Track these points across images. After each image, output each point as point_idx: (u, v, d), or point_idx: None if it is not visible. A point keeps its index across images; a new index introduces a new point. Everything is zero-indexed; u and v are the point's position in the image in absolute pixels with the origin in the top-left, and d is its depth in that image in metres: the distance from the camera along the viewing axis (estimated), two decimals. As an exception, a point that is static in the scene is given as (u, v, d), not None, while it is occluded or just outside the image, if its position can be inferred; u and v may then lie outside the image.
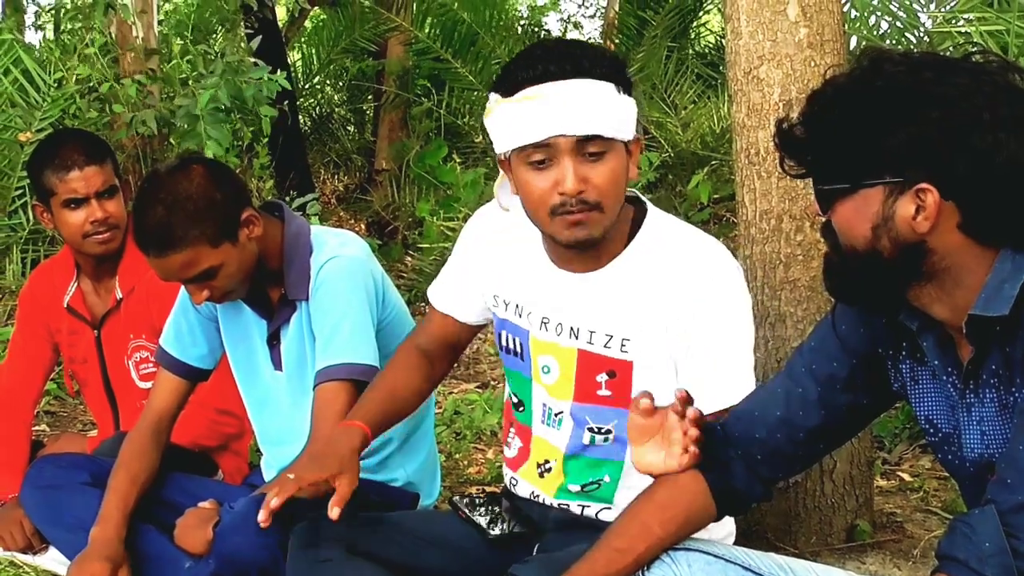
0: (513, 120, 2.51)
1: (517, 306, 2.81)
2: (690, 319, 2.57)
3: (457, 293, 2.97)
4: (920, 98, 1.98)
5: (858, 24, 6.40)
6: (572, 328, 2.71)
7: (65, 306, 3.97)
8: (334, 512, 2.55)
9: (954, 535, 1.99)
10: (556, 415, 2.78)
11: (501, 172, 2.76)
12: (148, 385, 3.86)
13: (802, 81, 3.44)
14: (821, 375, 2.33)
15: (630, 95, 2.55)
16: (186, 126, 7.17)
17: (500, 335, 2.90)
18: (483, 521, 2.90)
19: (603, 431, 2.72)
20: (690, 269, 2.59)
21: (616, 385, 2.68)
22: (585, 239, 2.56)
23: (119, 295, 3.88)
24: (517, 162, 2.55)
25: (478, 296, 2.93)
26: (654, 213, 2.71)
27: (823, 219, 2.13)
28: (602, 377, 2.69)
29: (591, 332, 2.69)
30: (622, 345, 2.65)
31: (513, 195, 2.66)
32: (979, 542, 1.94)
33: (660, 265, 2.61)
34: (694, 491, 2.35)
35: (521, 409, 2.89)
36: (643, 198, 2.74)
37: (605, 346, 2.67)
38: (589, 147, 2.49)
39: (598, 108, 2.48)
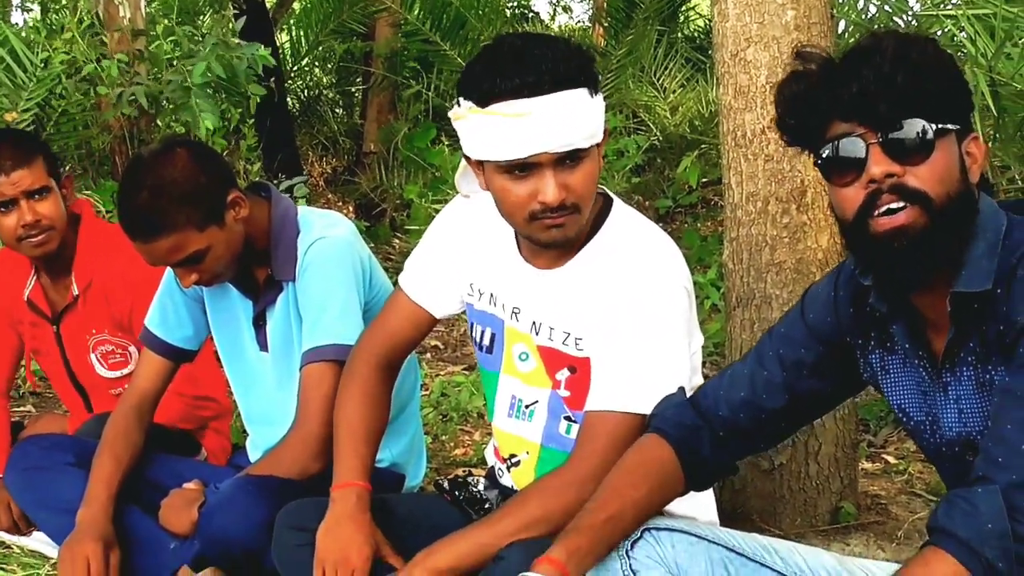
0: (490, 133, 2.44)
1: (492, 295, 2.80)
2: (624, 319, 2.54)
3: (433, 284, 2.91)
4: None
5: (846, 8, 6.39)
6: (535, 323, 2.71)
7: (25, 300, 3.95)
8: None
9: (952, 509, 1.94)
10: (527, 406, 2.77)
11: (463, 163, 2.74)
12: (117, 374, 3.87)
13: (789, 63, 3.43)
14: (788, 360, 2.35)
15: (599, 91, 2.51)
16: (178, 100, 7.14)
17: (473, 328, 2.89)
18: (468, 504, 2.90)
19: (576, 420, 2.69)
20: (632, 274, 2.55)
21: (575, 382, 2.66)
22: (564, 240, 2.56)
23: (75, 291, 3.86)
24: (492, 170, 2.50)
25: (453, 288, 2.90)
26: (617, 211, 2.67)
27: (895, 179, 2.00)
28: (563, 374, 2.68)
29: (551, 328, 2.68)
30: (576, 343, 2.65)
31: (481, 188, 2.65)
32: (982, 521, 1.91)
33: (611, 267, 2.58)
34: (660, 456, 2.38)
35: (486, 406, 2.90)
36: (609, 193, 2.71)
37: (563, 343, 2.67)
38: (568, 157, 2.45)
39: (577, 120, 2.43)
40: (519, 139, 2.41)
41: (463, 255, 2.85)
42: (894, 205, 2.00)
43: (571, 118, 2.42)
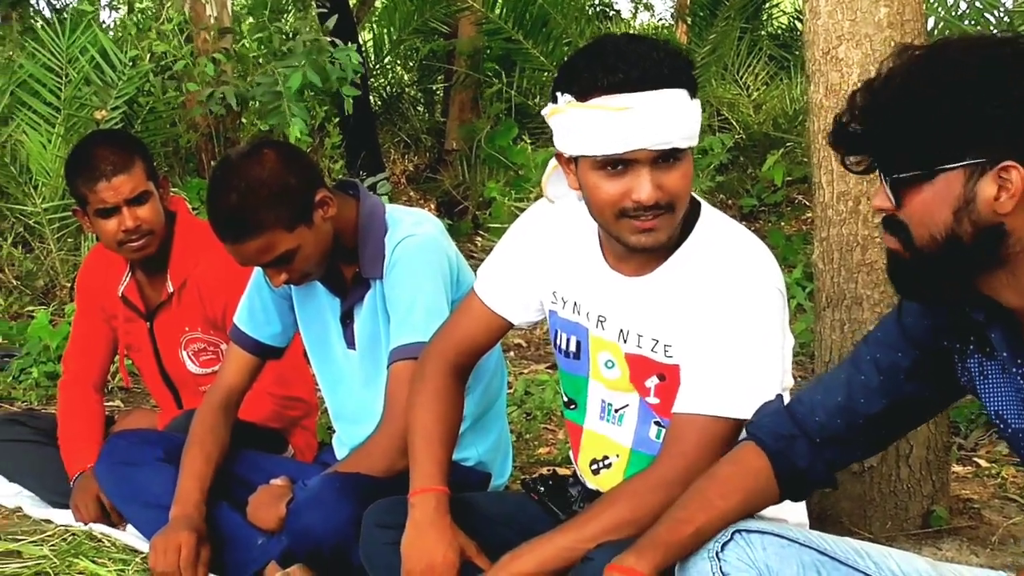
0: (589, 127, 2.41)
1: (575, 304, 2.76)
2: (718, 323, 2.51)
3: (512, 292, 2.86)
4: (998, 75, 1.94)
5: (936, 4, 6.32)
6: (622, 330, 2.68)
7: (120, 295, 3.99)
8: None
9: None
10: (617, 410, 2.75)
11: (552, 164, 2.71)
12: (208, 371, 3.90)
13: (881, 61, 3.39)
14: (884, 364, 2.31)
15: (696, 96, 2.48)
16: (268, 104, 7.20)
17: (556, 335, 2.85)
18: (555, 502, 2.89)
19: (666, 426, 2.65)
20: (726, 278, 2.52)
21: (664, 390, 2.63)
22: (654, 245, 2.51)
23: (170, 289, 3.89)
24: (586, 165, 2.47)
25: (534, 295, 2.85)
26: (707, 214, 2.64)
27: (886, 214, 2.04)
28: (652, 381, 2.66)
29: (639, 336, 2.65)
30: (666, 350, 2.61)
31: (570, 190, 2.61)
32: None
33: (704, 271, 2.55)
34: (756, 467, 2.35)
35: (573, 407, 2.86)
36: (697, 198, 2.66)
37: (652, 350, 2.63)
38: (665, 157, 2.42)
39: (677, 119, 2.40)
40: (619, 134, 2.38)
41: (545, 263, 2.81)
42: (887, 235, 2.06)
43: (671, 116, 2.39)
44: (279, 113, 6.98)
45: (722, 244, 2.57)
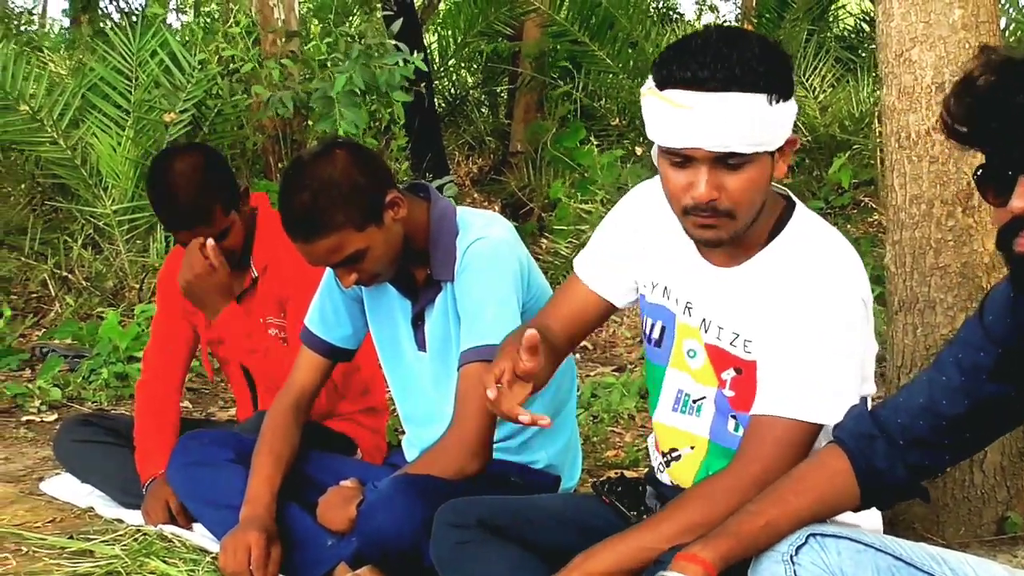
0: (657, 116, 2.44)
1: (665, 288, 2.77)
2: (799, 325, 2.51)
3: (608, 271, 2.86)
4: None
5: (1007, 5, 6.26)
6: (704, 319, 2.68)
7: None
8: None
9: None
10: (695, 401, 2.74)
11: None
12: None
13: (955, 63, 3.37)
14: (967, 364, 2.28)
15: (789, 98, 2.44)
16: (322, 108, 7.24)
17: (645, 321, 2.86)
18: (625, 505, 2.88)
19: (740, 420, 2.66)
20: (811, 280, 2.51)
21: (740, 383, 2.63)
22: (712, 240, 2.53)
23: (254, 274, 3.92)
24: (659, 151, 2.50)
25: (629, 276, 2.85)
26: (800, 215, 2.63)
27: None
28: (728, 374, 2.66)
29: (719, 328, 2.66)
30: (745, 345, 2.62)
31: None
32: None
33: (790, 271, 2.54)
34: (835, 467, 2.34)
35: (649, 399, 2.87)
36: (792, 196, 2.66)
37: (731, 344, 2.64)
38: (729, 158, 2.41)
39: (742, 125, 2.38)
40: (677, 129, 2.39)
41: (642, 247, 2.81)
42: None
43: (734, 121, 2.37)
44: (331, 118, 7.01)
45: (811, 247, 2.57)
